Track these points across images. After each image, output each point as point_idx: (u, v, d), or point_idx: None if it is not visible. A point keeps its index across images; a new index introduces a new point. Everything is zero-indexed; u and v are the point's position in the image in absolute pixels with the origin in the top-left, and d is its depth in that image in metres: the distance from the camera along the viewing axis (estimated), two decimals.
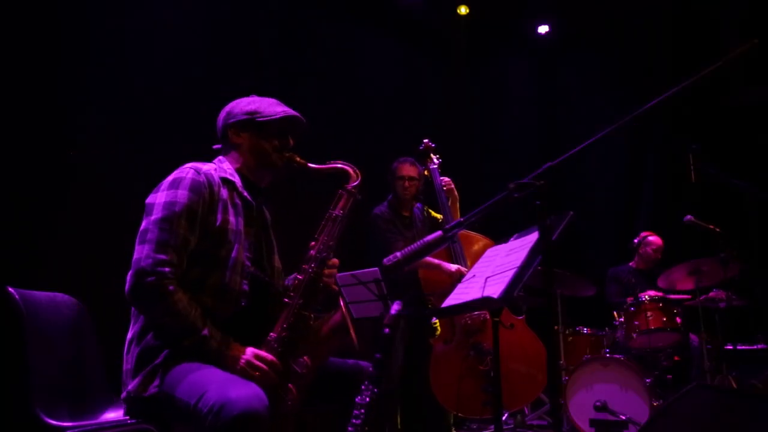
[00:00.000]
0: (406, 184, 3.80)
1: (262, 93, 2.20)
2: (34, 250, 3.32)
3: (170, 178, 1.93)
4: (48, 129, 3.51)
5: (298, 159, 2.10)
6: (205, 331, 1.79)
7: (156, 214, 1.84)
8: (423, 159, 3.92)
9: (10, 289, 1.97)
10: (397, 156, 3.92)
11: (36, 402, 1.85)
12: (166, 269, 1.78)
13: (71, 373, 2.09)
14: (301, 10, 5.02)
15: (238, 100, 2.14)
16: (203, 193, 1.90)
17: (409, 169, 3.83)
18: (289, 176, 2.15)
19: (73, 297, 2.23)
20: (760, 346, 4.64)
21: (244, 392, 1.61)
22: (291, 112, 2.10)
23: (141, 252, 1.80)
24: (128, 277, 1.80)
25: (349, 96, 5.22)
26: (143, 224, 1.86)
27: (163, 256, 1.79)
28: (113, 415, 2.04)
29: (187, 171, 1.93)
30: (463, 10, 6.06)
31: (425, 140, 3.95)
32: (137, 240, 1.84)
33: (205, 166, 1.99)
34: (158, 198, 1.88)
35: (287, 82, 4.70)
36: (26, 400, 1.85)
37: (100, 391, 2.17)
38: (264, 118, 2.06)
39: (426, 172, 3.89)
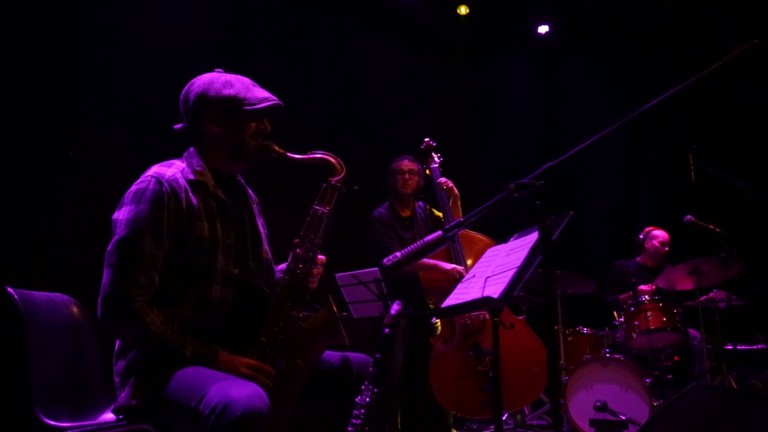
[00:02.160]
0: (406, 177, 3.80)
1: None
2: (33, 250, 3.32)
3: (132, 189, 1.83)
4: (48, 129, 3.51)
5: (276, 148, 1.97)
6: (185, 351, 1.75)
7: (119, 234, 1.76)
8: (424, 158, 3.91)
9: (9, 289, 1.96)
10: (396, 155, 3.92)
11: (35, 402, 1.84)
12: (132, 292, 1.71)
13: (71, 374, 2.08)
14: (301, 9, 5.01)
15: (207, 80, 1.96)
16: (167, 204, 1.79)
17: (408, 164, 3.84)
18: (267, 166, 2.04)
19: (72, 297, 2.22)
20: (760, 346, 4.63)
21: (246, 392, 1.59)
22: (273, 99, 1.96)
23: (107, 277, 1.73)
24: (98, 303, 1.73)
25: (349, 96, 5.22)
26: (109, 245, 1.77)
27: (127, 280, 1.72)
28: (112, 415, 2.03)
29: (148, 181, 1.82)
30: (463, 10, 6.07)
31: (426, 139, 3.94)
32: (105, 262, 1.76)
33: (170, 171, 1.87)
34: (121, 214, 1.79)
35: (287, 82, 4.69)
36: (25, 400, 1.84)
37: (100, 391, 2.16)
38: (248, 107, 1.92)
39: (427, 171, 3.88)
